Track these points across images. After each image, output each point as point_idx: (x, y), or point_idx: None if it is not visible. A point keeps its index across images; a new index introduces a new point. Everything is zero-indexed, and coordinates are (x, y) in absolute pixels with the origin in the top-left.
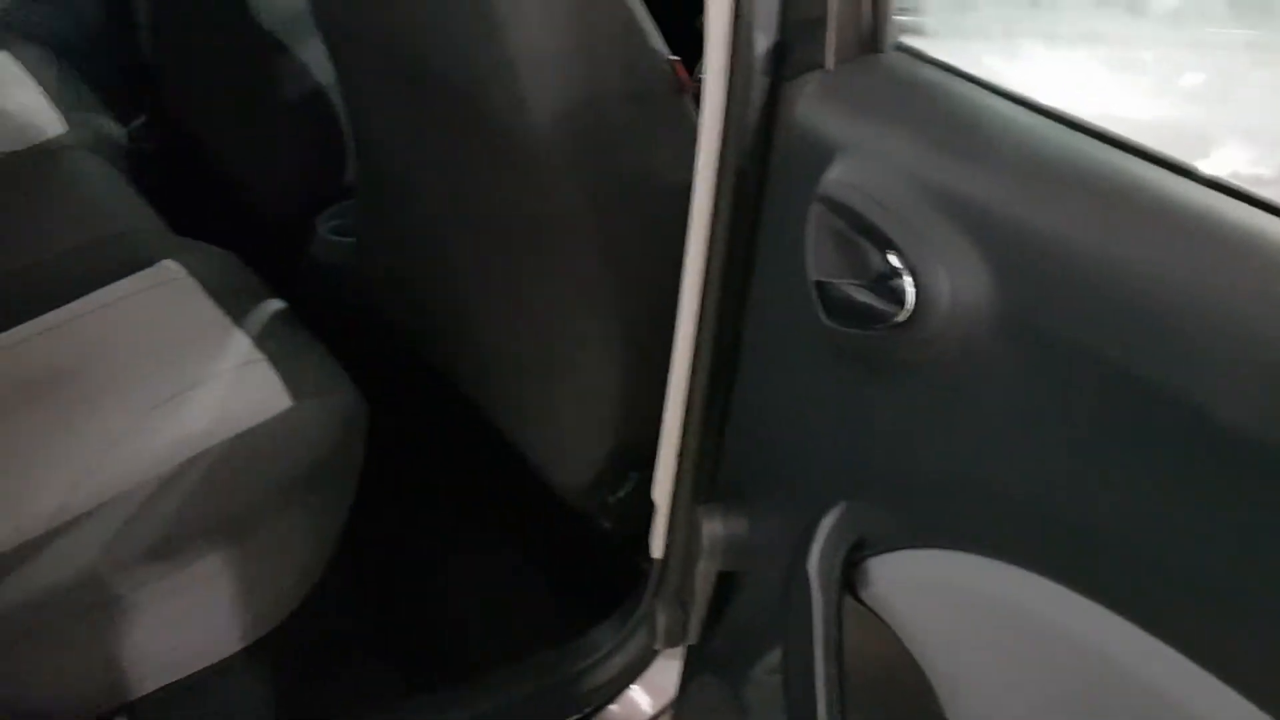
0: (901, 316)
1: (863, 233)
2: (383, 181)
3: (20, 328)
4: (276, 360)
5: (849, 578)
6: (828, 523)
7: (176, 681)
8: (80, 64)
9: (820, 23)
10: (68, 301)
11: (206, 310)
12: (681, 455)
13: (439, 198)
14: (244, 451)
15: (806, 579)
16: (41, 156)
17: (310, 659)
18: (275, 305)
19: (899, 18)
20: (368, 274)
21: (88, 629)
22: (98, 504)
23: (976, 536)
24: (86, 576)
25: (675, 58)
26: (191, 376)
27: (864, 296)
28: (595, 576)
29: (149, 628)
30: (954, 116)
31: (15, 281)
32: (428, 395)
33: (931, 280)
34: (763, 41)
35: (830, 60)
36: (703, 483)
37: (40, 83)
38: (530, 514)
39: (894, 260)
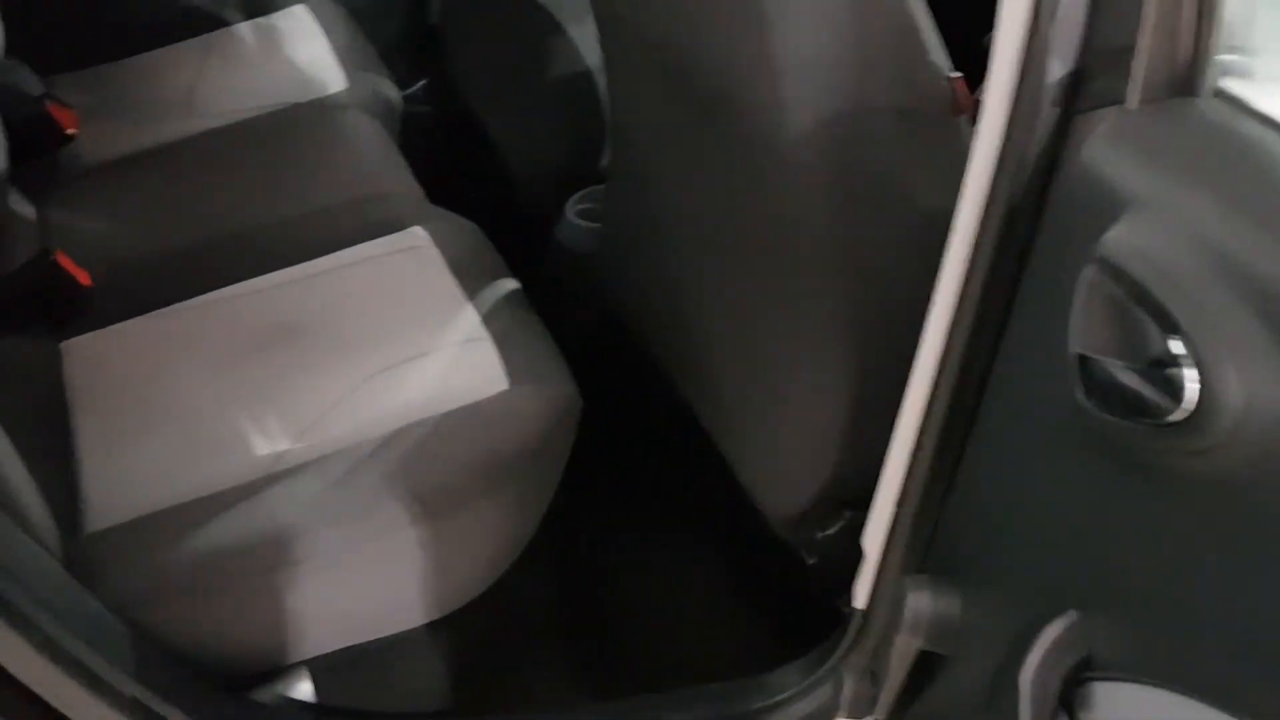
0: (1177, 415)
1: (1143, 307)
2: (633, 172)
3: (269, 275)
4: (500, 341)
5: (1069, 697)
6: (1052, 631)
7: (355, 646)
8: (370, 24)
9: (1126, 53)
10: (318, 255)
11: (443, 281)
12: (899, 508)
13: (684, 196)
14: (454, 429)
15: (1018, 688)
16: (320, 111)
17: (487, 645)
18: (509, 285)
19: (1222, 57)
20: (607, 262)
21: (278, 582)
22: (312, 459)
23: (1241, 695)
24: (287, 530)
25: (956, 74)
26: (417, 346)
27: (1133, 382)
28: (789, 611)
29: (336, 589)
30: (1273, 182)
31: (274, 230)
32: (646, 393)
33: (1220, 378)
34: (1057, 68)
35: (1133, 98)
36: (918, 544)
37: (330, 38)
38: (731, 533)
39: (1176, 346)
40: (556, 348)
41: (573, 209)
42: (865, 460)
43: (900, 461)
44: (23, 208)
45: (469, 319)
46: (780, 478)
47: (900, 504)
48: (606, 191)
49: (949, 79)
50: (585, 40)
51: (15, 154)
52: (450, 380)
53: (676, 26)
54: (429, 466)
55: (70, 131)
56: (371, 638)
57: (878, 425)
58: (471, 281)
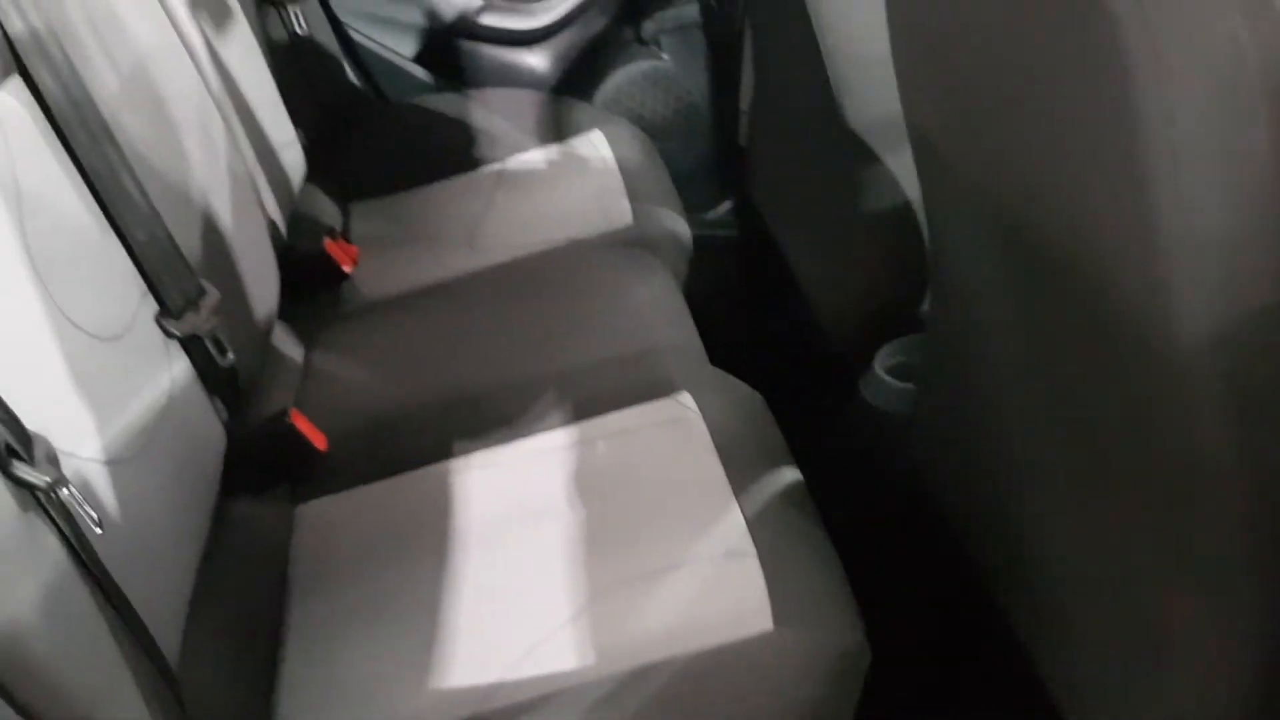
0: None
1: None
2: (959, 326)
3: (514, 444)
4: (768, 559)
5: None
6: None
7: None
8: (677, 143)
9: None
10: (574, 420)
11: (708, 466)
12: None
13: (1024, 369)
14: (703, 680)
15: None
16: (601, 249)
17: None
18: (788, 478)
19: None
20: (920, 433)
21: None
22: (522, 700)
23: None
24: None
25: None
26: (672, 554)
27: None
28: None
29: None
30: None
31: (529, 388)
32: (959, 617)
33: None
34: None
35: None
36: None
37: (621, 166)
38: None
39: None
40: (841, 571)
41: (882, 362)
42: None
43: None
44: (291, 350)
45: (733, 523)
46: None
47: None
48: (925, 345)
49: None
50: (904, 170)
51: (295, 290)
52: (704, 608)
53: (1010, 169)
54: None
55: (347, 269)
56: None
57: None
58: (741, 469)
